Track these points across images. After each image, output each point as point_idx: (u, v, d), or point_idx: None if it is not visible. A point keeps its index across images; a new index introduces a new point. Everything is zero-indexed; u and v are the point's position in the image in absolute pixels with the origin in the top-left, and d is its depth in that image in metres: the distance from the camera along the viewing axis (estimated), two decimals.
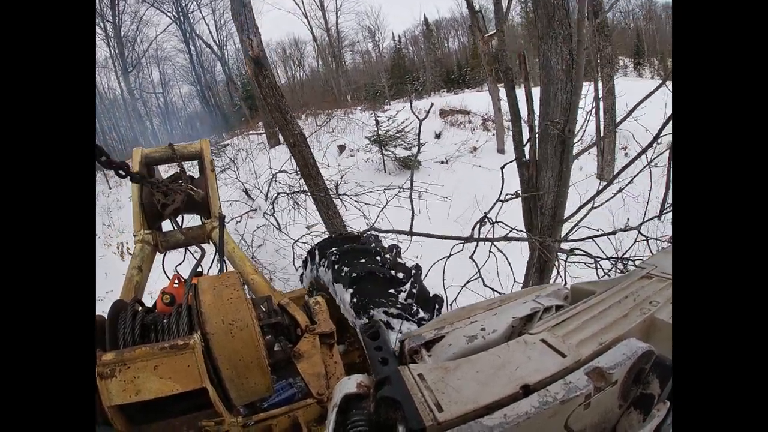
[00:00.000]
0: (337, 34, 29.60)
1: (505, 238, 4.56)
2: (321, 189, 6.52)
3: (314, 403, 1.93)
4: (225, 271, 3.00)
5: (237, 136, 15.70)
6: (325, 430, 0.85)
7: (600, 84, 9.78)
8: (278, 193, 7.58)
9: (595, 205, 4.59)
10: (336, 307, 2.78)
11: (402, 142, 12.95)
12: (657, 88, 4.34)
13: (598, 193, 4.62)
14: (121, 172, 1.95)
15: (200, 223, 3.24)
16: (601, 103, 9.39)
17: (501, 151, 13.08)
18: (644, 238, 4.44)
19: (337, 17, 28.75)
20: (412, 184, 4.83)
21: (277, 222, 7.50)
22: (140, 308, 1.84)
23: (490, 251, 4.38)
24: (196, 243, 3.12)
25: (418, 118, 5.14)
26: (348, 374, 1.06)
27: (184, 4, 26.17)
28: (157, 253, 3.09)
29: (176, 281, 2.56)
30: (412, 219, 4.67)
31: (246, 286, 2.78)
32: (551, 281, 4.83)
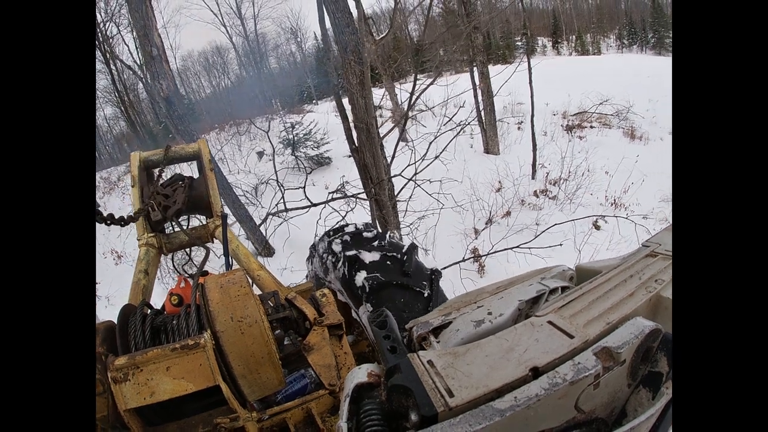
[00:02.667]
0: (257, 39, 28.68)
1: (344, 196, 7.21)
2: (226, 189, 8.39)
3: (326, 394, 1.95)
4: (230, 268, 3.01)
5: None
6: (339, 420, 0.87)
7: (476, 70, 11.53)
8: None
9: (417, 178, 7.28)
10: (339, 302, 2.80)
11: (311, 143, 13.63)
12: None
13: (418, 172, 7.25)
14: (107, 221, 1.92)
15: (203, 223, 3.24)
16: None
17: (404, 139, 13.64)
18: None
19: (255, 23, 27.90)
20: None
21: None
22: (149, 311, 1.85)
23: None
24: (200, 243, 3.13)
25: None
26: (358, 364, 1.07)
27: (103, 26, 25.14)
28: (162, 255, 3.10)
29: (182, 282, 2.57)
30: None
31: (253, 283, 2.79)
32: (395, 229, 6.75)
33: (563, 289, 1.18)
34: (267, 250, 9.16)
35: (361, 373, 0.92)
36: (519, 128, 13.09)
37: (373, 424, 0.82)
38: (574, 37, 41.87)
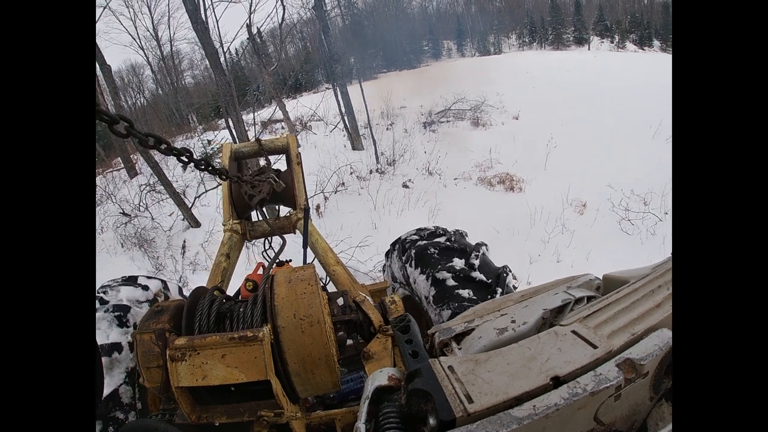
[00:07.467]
0: (173, 61, 28.79)
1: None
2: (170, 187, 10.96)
3: None
4: (306, 261, 3.10)
5: (98, 176, 16.97)
6: (357, 421, 0.88)
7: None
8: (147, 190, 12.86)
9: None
10: (412, 307, 2.78)
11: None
12: None
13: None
14: (183, 158, 1.92)
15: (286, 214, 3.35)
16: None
17: (298, 145, 16.10)
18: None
19: (171, 45, 27.96)
20: None
21: (151, 216, 11.84)
22: (219, 296, 1.91)
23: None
24: (281, 233, 3.21)
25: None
26: None
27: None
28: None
29: (260, 269, 2.68)
30: None
31: (327, 277, 2.86)
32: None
33: (589, 298, 1.17)
34: (195, 222, 11.25)
35: (381, 376, 0.94)
36: (387, 129, 16.46)
37: (391, 427, 0.84)
38: (477, 39, 46.97)
